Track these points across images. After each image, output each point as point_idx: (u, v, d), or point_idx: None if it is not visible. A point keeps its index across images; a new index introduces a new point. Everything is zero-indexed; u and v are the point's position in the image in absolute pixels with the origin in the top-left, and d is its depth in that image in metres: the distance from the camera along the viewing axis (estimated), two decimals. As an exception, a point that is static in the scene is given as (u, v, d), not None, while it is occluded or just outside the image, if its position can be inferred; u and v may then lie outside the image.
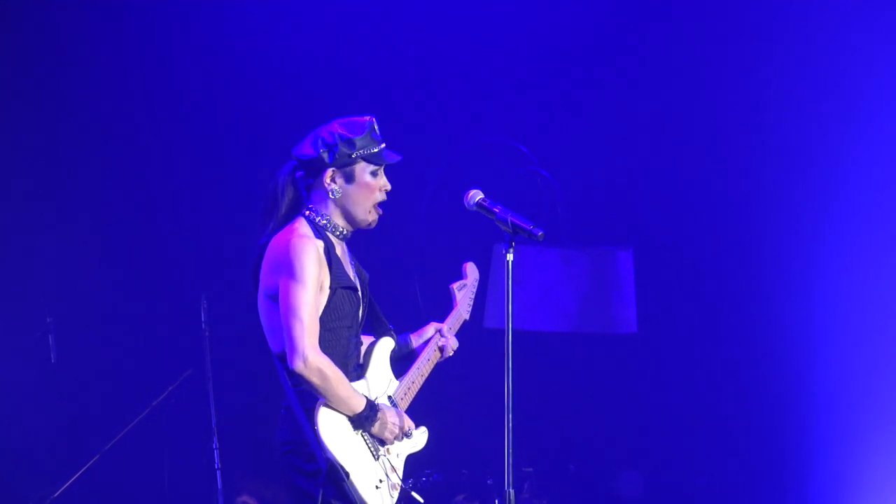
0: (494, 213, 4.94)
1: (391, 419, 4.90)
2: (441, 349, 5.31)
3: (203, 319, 7.92)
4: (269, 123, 8.78)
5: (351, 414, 4.80)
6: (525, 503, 8.34)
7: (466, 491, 8.30)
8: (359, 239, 5.14)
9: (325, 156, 4.93)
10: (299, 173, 4.97)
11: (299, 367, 4.70)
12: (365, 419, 4.82)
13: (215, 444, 7.75)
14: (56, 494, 7.67)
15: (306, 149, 4.96)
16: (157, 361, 8.42)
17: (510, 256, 4.86)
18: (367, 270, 5.17)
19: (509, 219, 4.89)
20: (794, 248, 8.67)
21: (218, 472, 7.72)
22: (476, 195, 5.00)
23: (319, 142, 4.95)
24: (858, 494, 8.37)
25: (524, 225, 4.88)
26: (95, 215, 8.60)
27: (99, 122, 8.63)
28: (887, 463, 8.29)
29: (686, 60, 8.88)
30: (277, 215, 4.95)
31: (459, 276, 5.55)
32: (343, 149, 4.93)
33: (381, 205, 5.02)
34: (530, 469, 8.42)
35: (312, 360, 4.71)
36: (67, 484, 7.71)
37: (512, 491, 4.76)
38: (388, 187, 5.03)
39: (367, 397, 4.87)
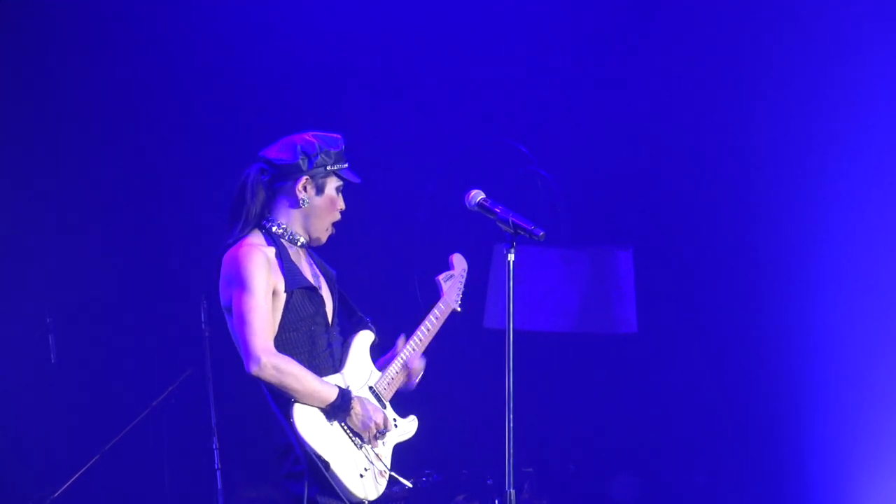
0: (495, 213, 4.96)
1: (365, 408, 4.93)
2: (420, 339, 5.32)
3: (203, 320, 7.93)
4: (269, 124, 8.77)
5: (323, 405, 4.84)
6: (525, 503, 8.36)
7: (466, 491, 8.31)
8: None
9: (304, 163, 4.98)
10: (266, 176, 5.01)
11: (254, 370, 4.78)
12: (338, 408, 4.86)
13: (215, 444, 7.78)
14: (56, 494, 7.67)
15: (282, 153, 5.01)
16: (157, 362, 8.44)
17: (511, 256, 4.88)
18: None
19: (510, 219, 4.92)
20: (794, 247, 8.67)
21: (218, 473, 7.74)
22: (477, 195, 5.03)
23: (298, 148, 5.00)
24: (856, 495, 8.38)
25: (525, 225, 4.90)
26: (96, 216, 8.60)
27: (100, 122, 8.63)
28: (885, 465, 8.29)
29: (686, 60, 8.89)
30: (246, 217, 4.99)
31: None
32: (322, 159, 4.99)
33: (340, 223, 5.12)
34: (530, 469, 8.42)
35: (265, 360, 4.77)
36: (67, 484, 7.71)
37: (512, 491, 4.79)
38: (343, 208, 5.10)
39: (339, 387, 4.90)
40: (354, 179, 5.08)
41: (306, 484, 4.77)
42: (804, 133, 8.66)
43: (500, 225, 4.94)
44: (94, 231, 8.58)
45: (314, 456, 4.76)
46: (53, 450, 8.19)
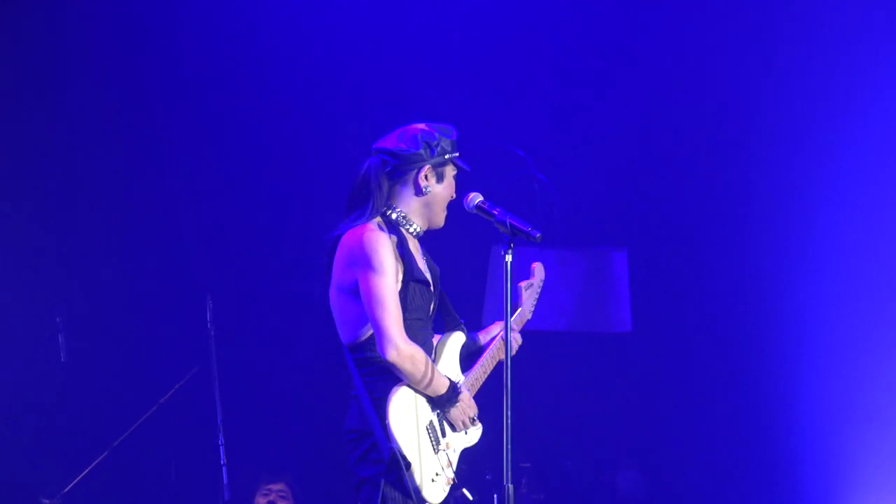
0: (493, 215, 5.00)
1: (468, 402, 4.98)
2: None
3: (208, 319, 7.98)
4: (271, 124, 8.83)
5: (434, 396, 4.88)
6: (523, 498, 8.37)
7: (466, 486, 8.35)
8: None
9: (426, 152, 4.99)
10: (388, 167, 4.99)
11: (391, 354, 4.76)
12: (446, 401, 4.90)
13: (221, 440, 7.82)
14: (66, 490, 7.73)
15: (402, 143, 4.99)
16: (164, 360, 8.45)
17: (508, 258, 4.91)
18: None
19: (508, 221, 4.95)
20: (786, 247, 8.69)
21: (224, 468, 7.78)
22: (475, 198, 5.06)
23: (419, 137, 5.00)
24: (851, 491, 8.46)
25: (522, 227, 4.94)
26: (103, 215, 8.62)
27: (105, 121, 8.63)
28: (880, 464, 8.34)
29: (680, 63, 8.89)
30: (373, 207, 4.97)
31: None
32: (442, 147, 5.02)
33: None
34: (528, 465, 8.43)
35: (404, 347, 4.78)
36: (77, 479, 7.77)
37: (510, 486, 4.83)
38: (454, 196, 5.12)
39: (450, 379, 4.94)
40: (465, 168, 5.11)
41: (383, 474, 4.78)
42: (796, 135, 8.68)
43: (498, 227, 4.98)
44: (102, 231, 8.60)
45: (399, 454, 4.79)
46: (63, 446, 8.23)
